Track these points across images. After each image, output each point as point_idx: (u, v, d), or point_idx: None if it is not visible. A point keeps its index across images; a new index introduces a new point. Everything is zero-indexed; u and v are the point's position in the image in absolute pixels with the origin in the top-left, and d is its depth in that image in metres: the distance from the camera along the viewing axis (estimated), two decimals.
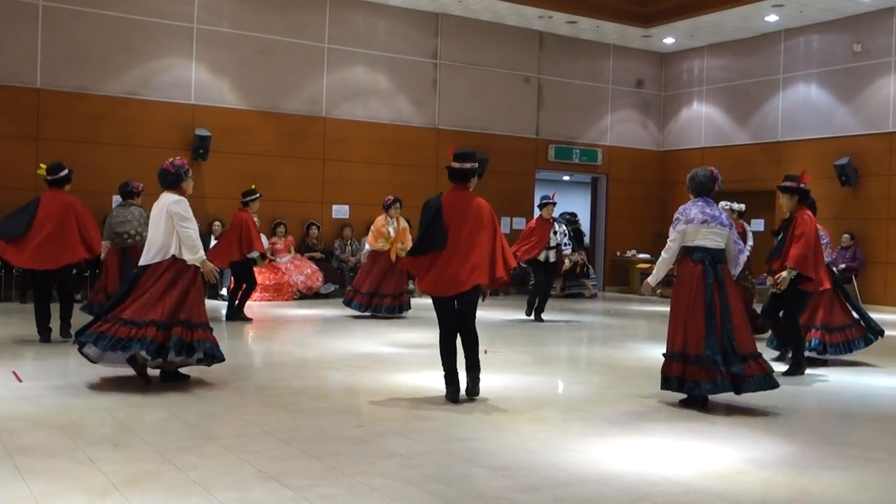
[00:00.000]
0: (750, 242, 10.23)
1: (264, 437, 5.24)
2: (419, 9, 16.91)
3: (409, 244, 11.88)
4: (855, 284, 15.88)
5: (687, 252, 6.46)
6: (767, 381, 6.34)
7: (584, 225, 19.16)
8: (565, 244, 12.35)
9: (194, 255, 6.74)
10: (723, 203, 11.17)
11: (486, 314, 12.56)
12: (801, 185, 8.07)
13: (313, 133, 16.11)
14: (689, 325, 6.30)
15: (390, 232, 12.18)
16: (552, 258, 12.31)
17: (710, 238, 6.42)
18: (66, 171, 9.24)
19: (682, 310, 6.37)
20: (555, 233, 12.32)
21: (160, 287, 6.64)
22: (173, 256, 6.71)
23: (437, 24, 17.28)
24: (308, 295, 14.70)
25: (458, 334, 6.53)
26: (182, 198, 6.91)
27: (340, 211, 16.36)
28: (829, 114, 16.92)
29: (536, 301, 12.37)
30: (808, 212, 8.00)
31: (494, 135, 17.88)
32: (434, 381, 7.26)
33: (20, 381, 6.69)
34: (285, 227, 15.05)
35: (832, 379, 7.92)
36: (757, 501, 4.22)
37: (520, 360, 8.80)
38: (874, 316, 14.62)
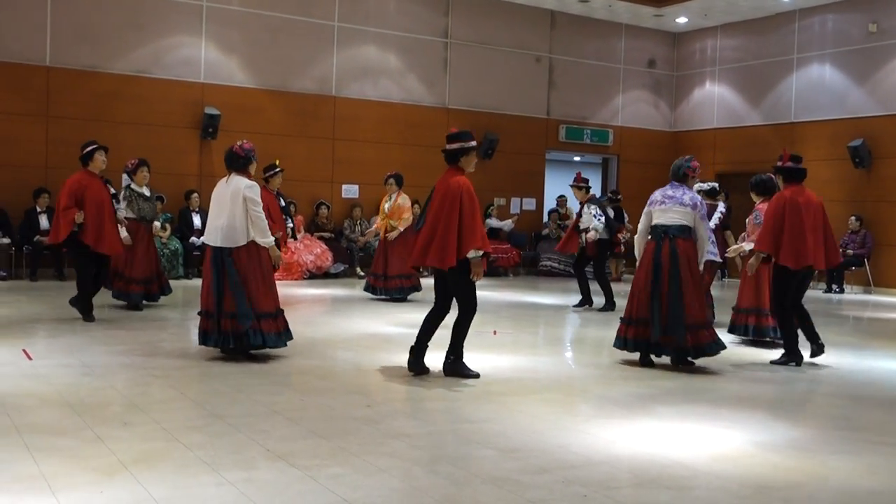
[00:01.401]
0: (715, 221, 10.00)
1: (272, 416, 5.24)
2: None
3: (403, 222, 11.67)
4: (867, 269, 15.78)
5: (650, 230, 7.39)
6: (711, 347, 7.11)
7: None
8: (594, 227, 11.46)
9: (267, 238, 7.03)
10: (696, 185, 11.06)
11: (496, 295, 12.55)
12: (780, 165, 7.87)
13: (323, 112, 16.05)
14: (639, 293, 7.25)
15: (385, 208, 11.95)
16: (582, 242, 11.61)
17: (666, 216, 7.27)
18: (86, 148, 9.12)
19: (638, 280, 7.33)
20: (579, 215, 11.81)
21: (262, 274, 7.02)
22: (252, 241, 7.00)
23: (447, 2, 17.16)
24: (317, 275, 14.71)
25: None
26: (254, 183, 7.13)
27: (350, 191, 16.33)
28: (843, 94, 16.76)
29: (603, 289, 11.71)
30: (785, 192, 7.73)
31: (505, 115, 17.79)
32: (441, 361, 7.25)
33: (30, 358, 6.71)
34: (295, 206, 15.02)
35: (840, 363, 7.87)
36: (766, 484, 4.20)
37: (528, 342, 8.79)
38: (887, 299, 14.59)
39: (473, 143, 6.71)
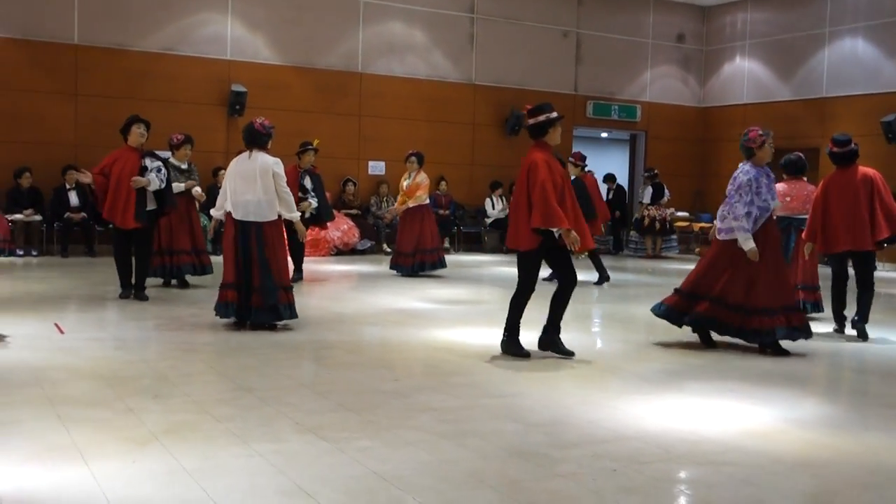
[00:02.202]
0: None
1: (301, 389, 5.27)
2: None
3: (414, 200, 11.61)
4: None
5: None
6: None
7: (623, 181, 18.94)
8: None
9: (293, 213, 7.39)
10: None
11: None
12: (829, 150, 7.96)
13: (349, 89, 16.02)
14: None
15: (404, 186, 11.92)
16: None
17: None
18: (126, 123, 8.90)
19: None
20: None
21: (284, 248, 7.40)
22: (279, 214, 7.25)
23: None
24: (344, 251, 14.74)
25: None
26: (279, 159, 7.33)
27: (377, 167, 16.32)
28: (876, 69, 16.46)
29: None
30: (827, 176, 7.88)
31: (532, 90, 17.62)
32: (468, 336, 7.26)
33: (62, 332, 6.78)
34: (322, 179, 15.01)
35: (872, 340, 7.77)
36: (797, 461, 4.16)
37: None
38: None
39: (556, 113, 6.51)
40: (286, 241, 7.59)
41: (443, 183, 16.51)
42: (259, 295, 7.03)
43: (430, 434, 4.39)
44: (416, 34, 16.63)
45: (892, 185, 15.75)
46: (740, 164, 6.95)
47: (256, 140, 7.29)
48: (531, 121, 6.49)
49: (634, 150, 19.88)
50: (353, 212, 15.57)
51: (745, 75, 18.96)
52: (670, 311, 7.04)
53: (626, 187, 19.24)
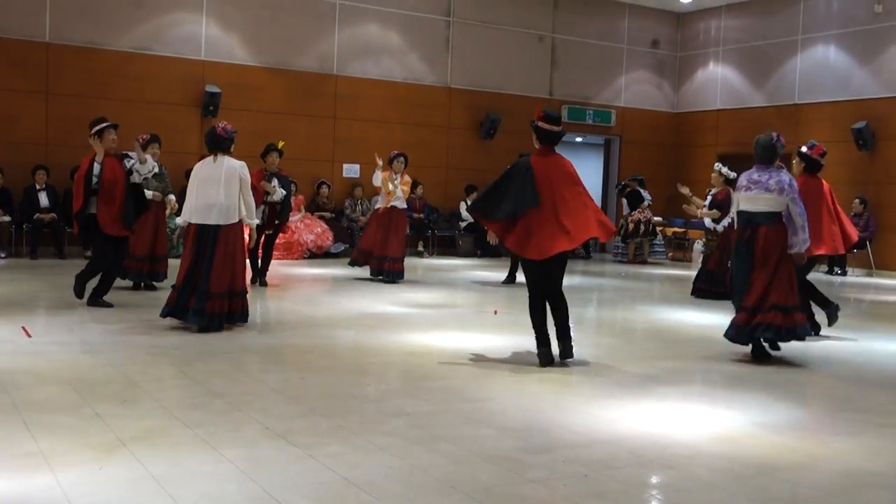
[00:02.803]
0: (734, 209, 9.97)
1: (272, 394, 5.22)
2: None
3: (394, 200, 11.53)
4: (870, 252, 15.74)
5: (738, 217, 7.10)
6: (788, 334, 6.69)
7: (598, 186, 19.02)
8: None
9: (254, 220, 7.57)
10: (716, 165, 11.17)
11: (496, 275, 12.52)
12: (809, 154, 7.98)
13: (324, 91, 15.97)
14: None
15: (390, 187, 11.74)
16: None
17: (751, 203, 6.82)
18: (95, 127, 8.39)
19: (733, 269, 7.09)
20: None
21: (243, 251, 7.45)
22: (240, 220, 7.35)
23: None
24: (318, 254, 14.68)
25: (547, 301, 6.47)
26: (244, 163, 7.44)
27: (351, 170, 16.27)
28: (847, 76, 16.65)
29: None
30: (802, 180, 7.82)
31: (507, 94, 17.69)
32: (442, 340, 7.25)
33: (29, 336, 6.69)
34: (295, 185, 14.91)
35: (842, 345, 7.84)
36: (767, 465, 4.18)
37: (529, 321, 8.73)
38: (889, 282, 14.56)
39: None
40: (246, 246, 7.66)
41: (419, 187, 16.49)
42: (221, 301, 7.15)
43: (401, 439, 4.37)
44: (392, 36, 16.61)
45: (860, 189, 16.04)
46: (783, 173, 6.84)
47: (219, 144, 7.37)
48: (555, 128, 6.46)
49: (609, 155, 19.96)
50: (327, 214, 15.52)
51: (719, 81, 19.11)
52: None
53: (598, 193, 19.33)
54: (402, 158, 11.74)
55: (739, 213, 6.96)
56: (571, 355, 6.39)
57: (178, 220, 7.66)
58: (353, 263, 11.89)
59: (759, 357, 6.83)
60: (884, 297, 12.39)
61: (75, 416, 4.58)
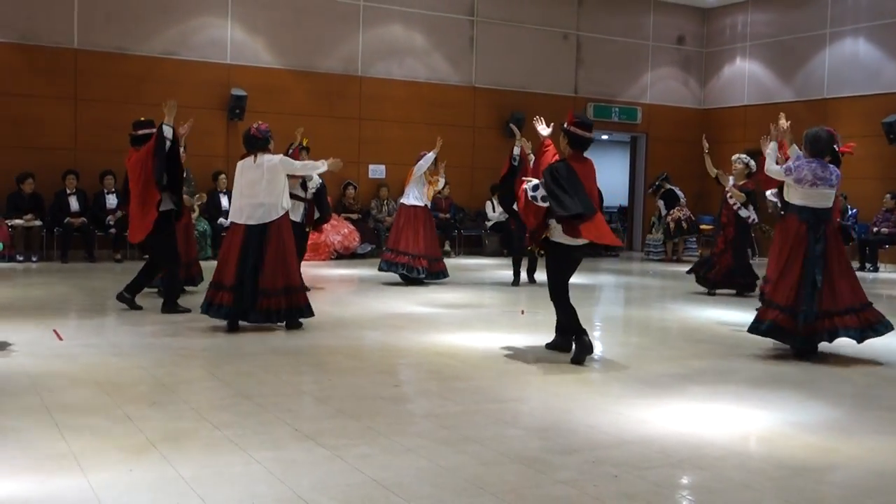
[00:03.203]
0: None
1: (300, 396, 5.23)
2: None
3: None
4: None
5: (794, 210, 6.77)
6: (865, 332, 6.69)
7: (623, 184, 18.91)
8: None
9: (319, 168, 7.82)
10: (739, 156, 10.90)
11: (522, 274, 12.47)
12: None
13: (349, 92, 16.00)
14: (784, 278, 6.67)
15: (439, 186, 11.69)
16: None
17: (817, 199, 6.67)
18: (142, 131, 8.29)
19: (782, 262, 6.74)
20: None
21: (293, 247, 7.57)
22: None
23: None
24: (345, 255, 14.71)
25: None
26: (282, 155, 7.68)
27: (377, 171, 16.28)
28: (877, 69, 16.43)
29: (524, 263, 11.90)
30: None
31: (532, 93, 17.63)
32: (470, 340, 7.23)
33: (61, 339, 6.75)
34: (323, 185, 14.93)
35: (873, 342, 7.71)
36: (800, 466, 4.12)
37: (555, 321, 8.69)
38: None
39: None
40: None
41: (445, 186, 16.46)
42: (278, 298, 7.23)
43: (430, 440, 4.36)
44: (415, 37, 16.61)
45: (891, 184, 15.80)
46: (834, 168, 6.81)
47: (255, 144, 7.47)
48: (586, 133, 6.50)
49: (635, 153, 19.83)
50: (354, 215, 15.54)
51: (746, 77, 18.92)
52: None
53: (625, 190, 19.23)
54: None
55: (802, 208, 6.69)
56: (592, 350, 6.49)
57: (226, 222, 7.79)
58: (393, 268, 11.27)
59: (807, 354, 6.77)
60: None
61: (106, 417, 4.61)
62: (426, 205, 11.34)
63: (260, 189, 7.27)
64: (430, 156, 11.31)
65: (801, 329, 6.57)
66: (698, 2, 19.06)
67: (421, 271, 11.09)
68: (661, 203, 16.84)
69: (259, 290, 7.17)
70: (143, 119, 8.63)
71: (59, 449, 4.05)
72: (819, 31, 17.35)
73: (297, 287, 7.47)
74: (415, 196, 11.29)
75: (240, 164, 7.57)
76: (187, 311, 8.20)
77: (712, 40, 19.66)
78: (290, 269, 7.35)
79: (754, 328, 6.84)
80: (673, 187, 16.74)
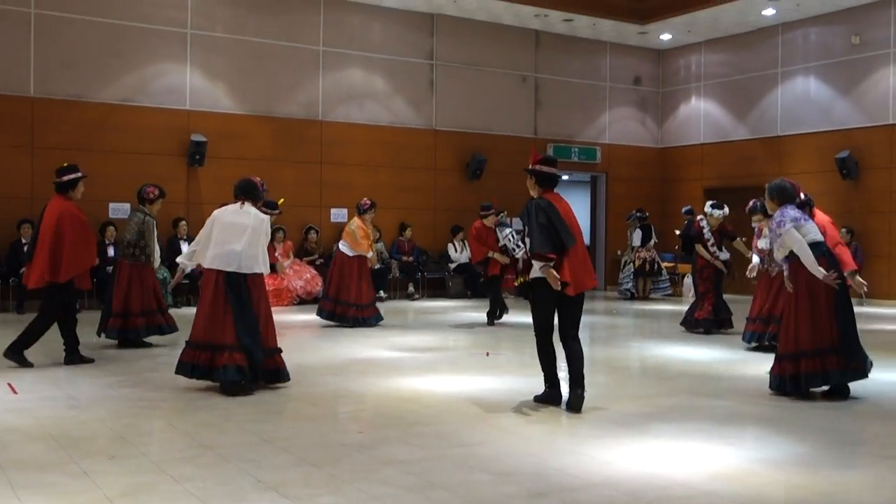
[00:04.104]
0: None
1: (263, 445, 5.13)
2: (414, 9, 16.82)
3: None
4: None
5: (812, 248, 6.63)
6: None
7: (585, 223, 19.03)
8: (513, 249, 11.36)
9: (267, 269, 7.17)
10: (711, 211, 11.04)
11: (485, 316, 12.45)
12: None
13: (310, 136, 16.01)
14: (821, 318, 6.61)
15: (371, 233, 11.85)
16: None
17: (812, 234, 6.68)
18: (66, 176, 8.19)
19: (812, 304, 6.60)
20: (497, 240, 11.84)
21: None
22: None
23: (432, 24, 17.18)
24: (307, 300, 14.59)
25: (563, 340, 6.36)
26: (268, 217, 7.27)
27: (339, 215, 16.23)
28: (829, 107, 16.81)
29: (499, 303, 12.01)
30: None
31: (492, 135, 17.78)
32: (434, 384, 7.17)
33: (15, 392, 6.58)
34: (284, 232, 14.91)
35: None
36: (769, 503, 4.11)
37: (521, 362, 8.68)
38: (879, 311, 14.55)
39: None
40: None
41: (408, 229, 16.50)
42: (246, 354, 6.67)
43: (395, 487, 4.28)
44: (376, 81, 16.70)
45: (846, 219, 16.07)
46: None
47: (252, 194, 7.10)
48: (552, 169, 6.56)
49: (595, 192, 20.02)
50: (316, 260, 15.46)
51: (702, 116, 19.26)
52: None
53: (586, 229, 19.35)
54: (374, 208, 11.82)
55: (815, 244, 6.64)
56: (580, 409, 6.12)
57: (181, 260, 7.42)
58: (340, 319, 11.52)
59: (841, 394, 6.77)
60: (876, 325, 12.36)
61: (62, 473, 4.47)
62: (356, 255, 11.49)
63: (240, 237, 6.81)
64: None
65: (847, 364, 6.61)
66: (653, 43, 19.43)
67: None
68: (637, 234, 16.88)
69: (242, 345, 6.69)
70: (66, 164, 8.41)
71: None
72: (771, 71, 17.75)
73: (277, 349, 7.08)
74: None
75: (220, 210, 7.09)
76: (90, 360, 8.09)
77: (668, 81, 20.01)
78: (271, 328, 7.02)
79: (806, 386, 6.68)
80: (651, 226, 16.95)
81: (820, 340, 6.59)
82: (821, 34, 16.90)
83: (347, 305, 11.40)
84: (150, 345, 9.34)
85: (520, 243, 10.96)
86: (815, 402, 6.66)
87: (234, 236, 6.83)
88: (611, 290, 18.34)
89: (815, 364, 6.60)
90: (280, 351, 7.06)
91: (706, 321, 10.93)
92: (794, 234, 6.61)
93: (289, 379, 7.02)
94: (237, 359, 6.61)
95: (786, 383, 6.68)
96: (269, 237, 7.20)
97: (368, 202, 11.80)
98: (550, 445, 5.21)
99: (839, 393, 6.73)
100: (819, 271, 6.52)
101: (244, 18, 15.41)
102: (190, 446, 5.09)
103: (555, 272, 6.08)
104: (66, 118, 13.92)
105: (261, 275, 6.97)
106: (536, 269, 6.18)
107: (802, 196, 7.51)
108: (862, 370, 6.70)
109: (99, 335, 9.26)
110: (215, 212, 7.10)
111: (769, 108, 17.83)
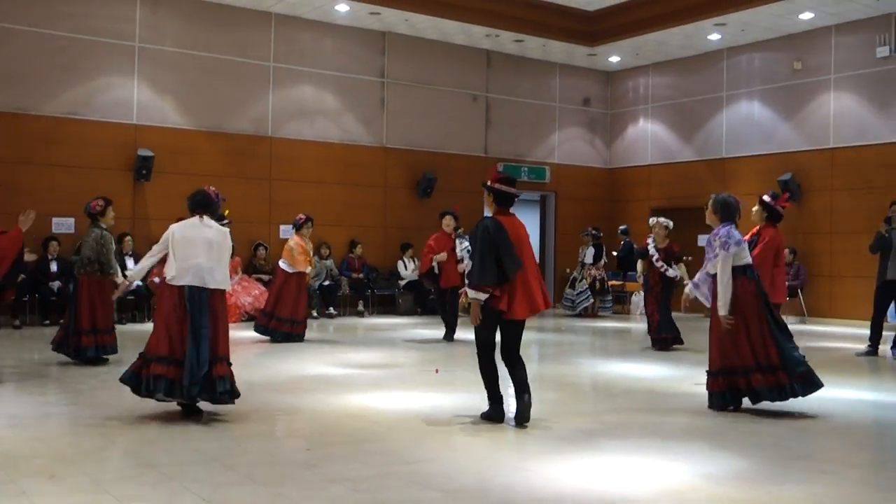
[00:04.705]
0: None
1: (207, 463, 5.06)
2: (366, 27, 16.85)
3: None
4: (801, 299, 16.11)
5: (739, 272, 6.82)
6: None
7: (535, 242, 19.17)
8: (466, 260, 11.38)
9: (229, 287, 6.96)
10: (657, 219, 11.32)
11: (438, 333, 12.45)
12: (779, 207, 8.38)
13: (259, 153, 15.91)
14: (752, 338, 6.78)
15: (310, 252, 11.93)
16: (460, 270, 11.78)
17: (748, 257, 6.94)
18: None
19: (744, 325, 6.78)
20: (453, 249, 12.00)
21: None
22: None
23: (384, 42, 17.23)
24: (255, 316, 14.42)
25: (505, 360, 6.39)
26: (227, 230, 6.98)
27: (288, 231, 16.03)
28: (772, 130, 17.21)
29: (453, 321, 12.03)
30: (772, 230, 8.27)
31: (443, 153, 17.85)
32: (383, 401, 7.15)
33: None
34: (232, 248, 14.71)
35: None
36: None
37: (471, 379, 8.68)
38: (821, 328, 14.86)
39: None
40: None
41: (358, 246, 16.46)
42: (229, 366, 6.62)
43: None
44: (326, 98, 16.68)
45: (789, 240, 16.42)
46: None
47: (209, 206, 6.86)
48: (512, 190, 6.50)
49: (545, 211, 20.20)
50: (265, 277, 15.33)
51: (649, 137, 19.57)
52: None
53: (535, 247, 19.47)
54: (310, 223, 11.95)
55: (746, 267, 6.87)
56: (528, 418, 6.20)
57: (130, 274, 7.19)
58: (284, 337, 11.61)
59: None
60: (818, 342, 12.63)
61: (0, 494, 4.37)
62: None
63: (208, 251, 6.59)
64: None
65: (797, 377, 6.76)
66: (602, 65, 19.71)
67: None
68: (590, 251, 17.08)
69: (218, 357, 6.54)
70: None
71: None
72: (716, 94, 18.12)
73: (221, 358, 6.72)
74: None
75: (179, 225, 6.82)
76: None
77: (616, 102, 20.31)
78: (228, 343, 6.78)
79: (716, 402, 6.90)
80: (603, 245, 17.21)
81: (744, 357, 6.77)
82: (764, 59, 17.32)
83: (281, 321, 11.54)
84: (107, 361, 9.16)
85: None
86: (758, 418, 6.77)
87: (198, 250, 6.58)
88: (558, 308, 18.46)
89: (739, 381, 6.80)
90: (229, 363, 6.74)
91: (654, 340, 11.11)
92: (729, 262, 6.78)
93: (238, 396, 6.67)
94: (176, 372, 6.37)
95: (723, 398, 6.89)
96: (231, 251, 6.98)
97: (303, 217, 11.93)
98: (497, 462, 5.23)
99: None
100: (725, 305, 6.74)
101: (194, 33, 15.29)
102: (133, 465, 5.00)
103: (477, 310, 6.21)
104: (9, 131, 13.64)
105: (223, 291, 6.72)
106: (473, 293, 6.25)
107: (779, 207, 7.89)
108: (788, 388, 6.80)
109: (57, 350, 9.04)
110: (173, 226, 6.81)
111: (714, 130, 18.19)
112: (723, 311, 6.76)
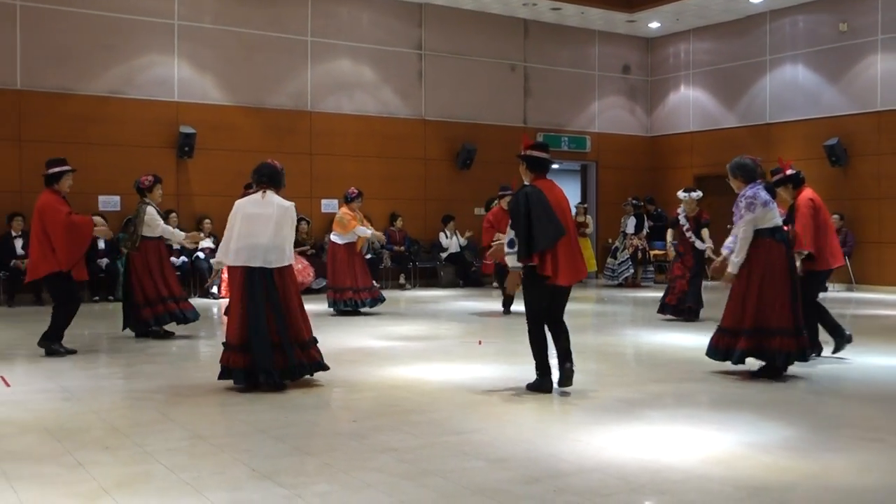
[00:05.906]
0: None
1: (256, 434, 5.15)
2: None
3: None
4: (849, 266, 15.85)
5: (766, 233, 6.74)
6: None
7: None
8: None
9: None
10: (688, 193, 11.12)
11: (481, 305, 12.48)
12: (789, 172, 7.94)
13: (299, 127, 15.98)
14: (774, 300, 6.68)
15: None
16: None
17: (776, 218, 6.84)
18: (51, 170, 8.21)
19: (765, 285, 6.69)
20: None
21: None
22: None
23: (420, 14, 17.16)
24: (299, 290, 14.56)
25: (549, 327, 6.43)
26: (293, 204, 6.81)
27: (329, 205, 16.22)
28: (817, 94, 16.87)
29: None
30: (807, 192, 7.86)
31: (481, 124, 17.78)
32: (427, 373, 7.20)
33: (8, 385, 6.57)
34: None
35: (826, 361, 7.85)
36: (760, 486, 4.15)
37: (515, 350, 8.71)
38: (869, 296, 14.63)
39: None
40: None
41: (399, 219, 16.51)
42: (305, 350, 6.58)
43: (390, 475, 4.31)
44: (364, 71, 16.68)
45: (835, 206, 16.15)
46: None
47: (275, 179, 6.71)
48: (544, 154, 6.53)
49: (585, 180, 20.07)
50: (307, 250, 15.45)
51: (691, 104, 19.30)
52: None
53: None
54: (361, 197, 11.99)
55: (776, 228, 6.80)
56: (571, 383, 6.27)
57: (214, 262, 7.13)
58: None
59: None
60: (865, 310, 12.46)
61: (56, 465, 4.49)
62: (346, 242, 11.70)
63: (265, 229, 6.42)
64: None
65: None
66: (641, 31, 19.45)
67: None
68: (631, 221, 16.96)
69: (289, 343, 6.46)
70: (54, 158, 8.39)
71: (7, 500, 3.93)
72: (759, 58, 17.79)
73: (312, 340, 6.78)
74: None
75: (241, 201, 6.69)
76: (72, 351, 8.02)
77: (657, 69, 20.04)
78: (304, 320, 6.74)
79: (775, 363, 6.79)
80: (646, 216, 17.03)
81: (763, 319, 6.71)
82: (809, 21, 16.95)
83: (343, 290, 11.54)
84: (172, 334, 9.36)
85: None
86: (802, 386, 6.72)
87: (259, 229, 6.45)
88: (600, 278, 18.38)
89: (753, 341, 6.73)
90: (316, 342, 6.78)
91: (670, 307, 10.94)
92: (751, 222, 6.70)
93: (328, 368, 6.76)
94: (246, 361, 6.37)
95: (720, 353, 6.92)
96: (295, 225, 6.81)
97: (356, 191, 11.94)
98: (543, 432, 5.25)
99: (770, 370, 6.86)
100: (737, 264, 6.72)
101: (232, 9, 15.36)
102: (184, 436, 5.11)
103: (517, 278, 6.27)
104: (53, 111, 13.86)
105: (289, 266, 6.61)
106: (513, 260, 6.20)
107: (790, 172, 7.63)
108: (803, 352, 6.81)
109: (124, 329, 9.24)
110: (237, 202, 6.72)
111: (758, 95, 17.88)
112: (733, 269, 6.75)
